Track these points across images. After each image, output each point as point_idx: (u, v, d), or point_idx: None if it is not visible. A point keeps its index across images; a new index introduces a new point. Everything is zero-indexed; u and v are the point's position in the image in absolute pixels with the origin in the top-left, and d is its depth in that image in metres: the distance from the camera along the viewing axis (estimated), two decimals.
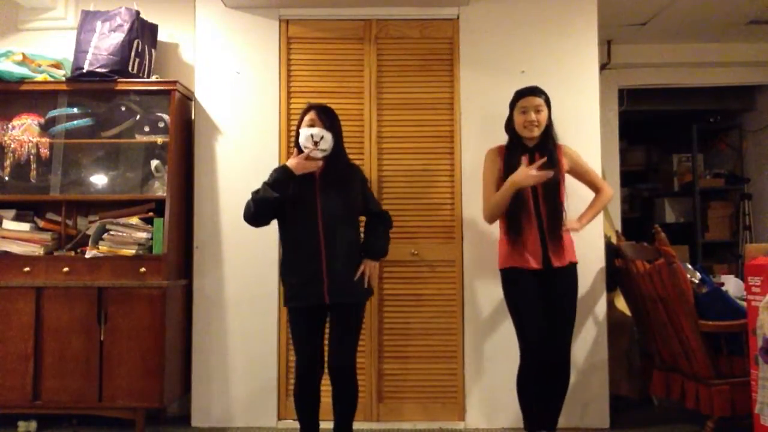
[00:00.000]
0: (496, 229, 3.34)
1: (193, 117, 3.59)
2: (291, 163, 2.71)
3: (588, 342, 3.39)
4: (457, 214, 3.46)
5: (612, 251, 3.51)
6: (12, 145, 3.43)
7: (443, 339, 3.44)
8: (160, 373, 3.19)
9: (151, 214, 3.35)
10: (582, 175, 3.07)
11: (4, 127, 3.46)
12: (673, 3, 3.84)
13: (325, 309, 2.74)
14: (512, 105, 2.96)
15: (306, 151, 2.71)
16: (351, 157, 3.46)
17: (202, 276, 3.48)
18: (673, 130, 6.03)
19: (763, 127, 5.20)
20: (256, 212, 2.70)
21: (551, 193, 2.86)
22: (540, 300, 2.86)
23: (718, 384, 2.95)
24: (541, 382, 2.88)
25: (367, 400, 3.42)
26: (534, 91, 2.92)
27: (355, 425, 3.36)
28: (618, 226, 4.39)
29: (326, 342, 2.76)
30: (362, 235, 2.86)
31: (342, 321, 2.73)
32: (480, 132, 3.46)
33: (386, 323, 3.45)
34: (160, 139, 3.41)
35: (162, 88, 3.44)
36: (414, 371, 3.44)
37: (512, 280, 2.91)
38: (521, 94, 2.93)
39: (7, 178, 3.45)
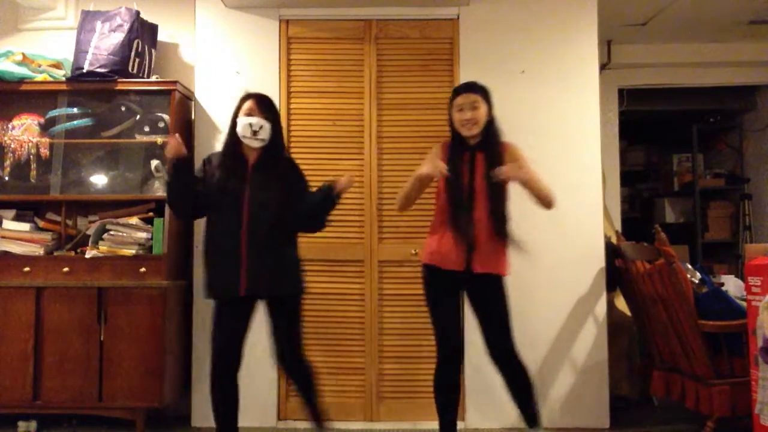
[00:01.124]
0: None
1: (193, 117, 3.59)
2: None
3: (588, 342, 3.39)
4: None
5: (612, 251, 3.51)
6: (12, 145, 3.43)
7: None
8: (160, 373, 3.19)
9: (151, 214, 3.35)
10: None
11: (4, 127, 3.46)
12: (673, 3, 3.84)
13: (251, 302, 2.69)
14: (450, 103, 2.81)
15: (244, 140, 2.66)
16: (351, 157, 3.49)
17: (202, 276, 3.47)
18: (673, 130, 6.02)
19: (763, 127, 5.20)
20: (168, 200, 2.76)
21: (492, 194, 2.69)
22: (456, 297, 2.77)
23: (718, 384, 2.95)
24: (507, 385, 2.81)
25: (367, 400, 3.42)
26: (470, 88, 2.77)
27: (355, 425, 3.39)
28: (618, 226, 4.39)
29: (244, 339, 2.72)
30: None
31: (279, 315, 2.69)
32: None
33: (386, 323, 3.45)
34: (160, 139, 3.41)
35: (162, 88, 3.44)
36: (414, 371, 3.44)
37: (428, 277, 2.80)
38: (457, 92, 2.79)
39: (7, 178, 3.45)
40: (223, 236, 2.65)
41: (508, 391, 2.81)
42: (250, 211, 2.61)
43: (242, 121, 2.66)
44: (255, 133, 2.64)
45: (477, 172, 2.71)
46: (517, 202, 3.15)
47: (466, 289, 2.79)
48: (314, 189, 2.77)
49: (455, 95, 2.79)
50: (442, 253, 2.72)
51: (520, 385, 2.79)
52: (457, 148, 2.79)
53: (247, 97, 2.73)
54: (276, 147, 2.73)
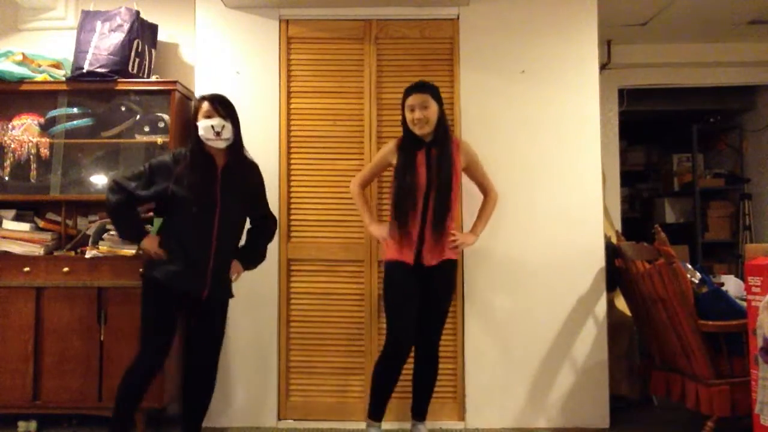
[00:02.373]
0: (497, 229, 3.35)
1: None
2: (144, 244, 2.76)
3: (588, 342, 3.39)
4: (457, 215, 3.45)
5: (612, 251, 3.51)
6: (12, 145, 3.43)
7: (443, 339, 3.42)
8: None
9: (151, 214, 3.35)
10: (474, 174, 3.06)
11: (4, 127, 3.46)
12: (673, 3, 3.84)
13: (187, 302, 2.76)
14: (402, 103, 2.95)
15: (209, 142, 2.70)
16: (351, 157, 3.49)
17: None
18: (673, 130, 6.03)
19: (763, 127, 5.20)
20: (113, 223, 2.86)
21: (441, 190, 2.86)
22: (415, 295, 2.90)
23: (718, 384, 2.95)
24: (415, 373, 3.04)
25: (367, 400, 3.42)
26: (419, 88, 2.89)
27: (355, 425, 3.39)
28: (618, 226, 4.39)
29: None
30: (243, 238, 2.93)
31: (213, 317, 2.81)
32: (480, 132, 3.46)
33: (386, 323, 3.44)
34: (160, 139, 3.41)
35: (162, 88, 3.43)
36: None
37: (390, 272, 2.94)
38: (408, 92, 2.91)
39: (7, 178, 3.45)
40: (194, 237, 2.70)
41: (416, 378, 3.04)
42: (221, 215, 2.71)
43: (203, 124, 2.69)
44: (218, 134, 2.68)
45: (433, 167, 2.87)
46: (518, 202, 3.17)
47: (423, 280, 2.92)
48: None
49: (406, 95, 2.94)
50: (401, 248, 2.91)
51: (432, 377, 3.04)
52: (410, 145, 2.94)
53: (202, 99, 2.77)
54: (239, 146, 2.80)
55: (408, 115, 2.90)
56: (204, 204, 2.69)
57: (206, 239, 2.70)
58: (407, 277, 2.89)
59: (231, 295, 2.88)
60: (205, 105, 2.72)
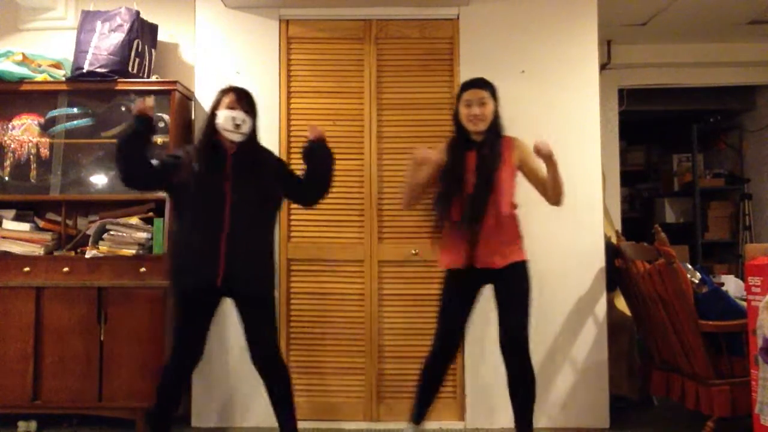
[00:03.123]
0: None
1: (193, 117, 3.59)
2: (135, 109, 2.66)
3: (588, 342, 3.39)
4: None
5: (612, 251, 3.51)
6: (12, 145, 3.44)
7: None
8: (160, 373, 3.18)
9: (151, 214, 3.36)
10: (530, 171, 2.82)
11: (4, 127, 3.46)
12: (673, 3, 3.84)
13: (217, 298, 2.72)
14: (458, 97, 2.83)
15: (225, 133, 2.67)
16: (351, 157, 3.49)
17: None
18: (673, 130, 6.03)
19: (763, 127, 5.20)
20: (117, 159, 2.66)
21: (482, 191, 2.69)
22: (460, 300, 2.78)
23: (718, 384, 2.95)
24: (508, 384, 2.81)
25: (367, 400, 3.42)
26: (478, 84, 2.79)
27: (355, 425, 3.39)
28: (618, 226, 4.39)
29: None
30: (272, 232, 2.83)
31: (254, 313, 2.71)
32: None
33: (386, 323, 3.45)
34: (160, 139, 3.41)
35: (162, 88, 3.43)
36: (414, 371, 3.41)
37: (444, 279, 2.84)
38: (465, 87, 2.81)
39: (7, 178, 3.45)
40: (201, 225, 2.63)
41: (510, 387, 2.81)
42: (232, 199, 2.62)
43: (225, 114, 2.66)
44: (237, 126, 2.66)
45: (480, 170, 2.72)
46: (518, 202, 3.15)
47: (483, 283, 2.79)
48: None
49: (463, 90, 2.81)
50: (450, 252, 2.76)
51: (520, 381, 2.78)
52: (460, 144, 2.81)
53: (229, 90, 2.74)
54: (253, 141, 2.76)
55: (463, 110, 2.77)
56: (210, 190, 2.63)
57: (215, 226, 2.60)
58: (454, 282, 2.79)
59: (265, 289, 2.73)
60: (230, 96, 2.70)
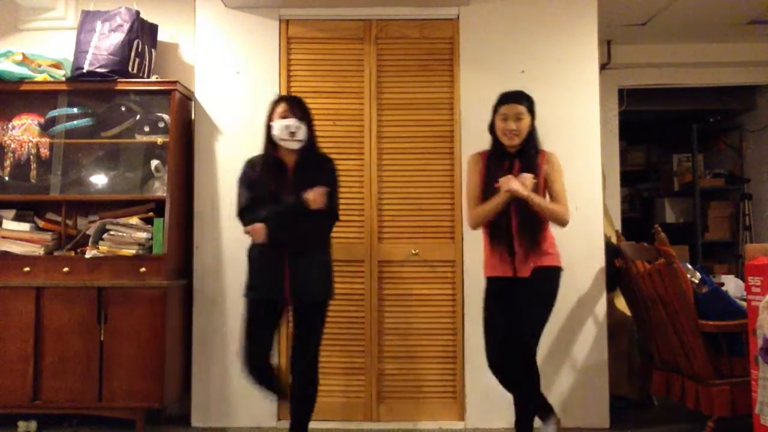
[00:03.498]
0: None
1: (193, 117, 3.59)
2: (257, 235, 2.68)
3: (588, 342, 3.39)
4: (457, 214, 3.46)
5: (612, 251, 3.51)
6: (12, 145, 3.43)
7: (443, 339, 3.44)
8: (160, 373, 3.19)
9: (151, 214, 3.35)
10: (550, 185, 2.82)
11: (4, 127, 3.46)
12: (673, 3, 3.84)
13: (280, 306, 2.77)
14: (495, 109, 2.82)
15: (282, 143, 2.70)
16: (351, 157, 3.49)
17: (202, 276, 3.48)
18: (673, 130, 6.03)
19: (763, 127, 5.20)
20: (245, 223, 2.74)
21: (521, 203, 2.71)
22: (504, 310, 2.80)
23: (718, 384, 2.95)
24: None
25: (367, 400, 3.42)
26: (516, 98, 2.78)
27: (355, 425, 3.39)
28: (618, 226, 4.39)
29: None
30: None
31: (304, 321, 2.76)
32: (480, 132, 3.43)
33: (386, 323, 3.45)
34: (160, 139, 3.41)
35: (162, 88, 3.43)
36: (414, 371, 3.44)
37: (486, 289, 2.87)
38: (503, 100, 2.80)
39: (7, 178, 3.45)
40: (268, 246, 2.68)
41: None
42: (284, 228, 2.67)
43: (279, 124, 2.69)
44: (292, 134, 2.68)
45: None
46: None
47: (517, 291, 2.78)
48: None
49: (500, 103, 2.81)
50: (494, 263, 2.79)
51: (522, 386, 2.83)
52: (496, 155, 2.82)
53: (279, 100, 2.79)
54: (312, 147, 2.78)
55: (499, 124, 2.77)
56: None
57: (280, 248, 2.68)
58: (497, 293, 2.82)
59: (321, 297, 2.77)
60: (282, 105, 2.73)
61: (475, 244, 3.41)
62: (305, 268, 2.71)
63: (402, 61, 3.54)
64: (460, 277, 3.44)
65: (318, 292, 2.75)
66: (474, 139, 3.45)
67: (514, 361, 2.79)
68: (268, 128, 2.74)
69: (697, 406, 3.03)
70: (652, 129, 6.21)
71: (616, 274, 3.52)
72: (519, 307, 2.77)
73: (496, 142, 2.83)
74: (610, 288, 3.53)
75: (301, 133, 2.70)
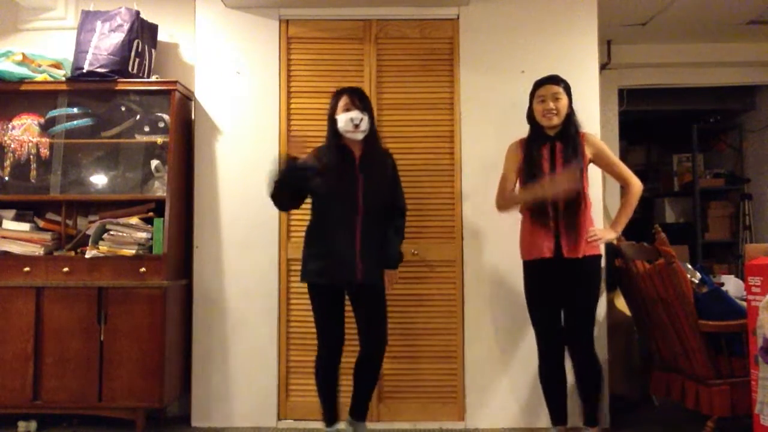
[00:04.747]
0: (495, 229, 3.35)
1: (193, 117, 3.59)
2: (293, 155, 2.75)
3: None
4: (457, 214, 3.46)
5: (612, 251, 3.51)
6: (12, 145, 3.43)
7: (443, 339, 3.44)
8: (160, 373, 3.19)
9: (151, 214, 3.35)
10: (607, 165, 3.00)
11: (4, 127, 3.46)
12: (673, 3, 3.84)
13: (344, 290, 2.86)
14: (531, 95, 2.94)
15: (348, 135, 2.79)
16: None
17: (202, 276, 3.48)
18: (673, 130, 6.03)
19: (763, 127, 5.20)
20: (275, 195, 2.79)
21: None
22: (554, 289, 2.88)
23: (718, 384, 2.95)
24: (575, 376, 2.97)
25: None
26: (552, 79, 2.90)
27: None
28: None
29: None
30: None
31: (369, 303, 2.86)
32: (480, 132, 3.46)
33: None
34: (160, 139, 3.41)
35: (162, 88, 3.44)
36: (414, 371, 3.44)
37: (525, 273, 2.96)
38: (539, 83, 2.92)
39: (7, 178, 3.45)
40: (339, 231, 2.77)
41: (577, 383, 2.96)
42: (363, 204, 2.77)
43: (344, 117, 2.78)
44: (357, 126, 2.77)
45: (557, 162, 2.83)
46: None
47: (562, 274, 2.86)
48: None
49: (537, 87, 2.92)
50: (535, 245, 2.85)
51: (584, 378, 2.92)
52: (535, 140, 2.90)
53: (341, 92, 2.85)
54: (374, 136, 2.89)
55: (537, 106, 2.88)
56: (346, 199, 2.77)
57: (351, 231, 2.76)
58: (541, 276, 2.88)
59: (382, 281, 2.88)
60: (345, 98, 2.81)
61: (475, 244, 3.42)
62: (374, 251, 2.81)
63: (402, 61, 3.54)
64: (460, 277, 3.44)
65: (380, 274, 2.87)
66: (474, 139, 3.46)
67: (575, 351, 2.89)
68: (333, 121, 2.82)
69: (697, 406, 3.03)
70: (652, 129, 6.21)
71: (616, 274, 3.52)
72: (573, 293, 2.86)
73: (535, 127, 2.92)
74: (610, 288, 3.53)
75: (364, 124, 2.79)
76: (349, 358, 2.97)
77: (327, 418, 2.93)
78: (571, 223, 2.80)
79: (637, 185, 3.00)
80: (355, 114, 2.77)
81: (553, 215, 2.82)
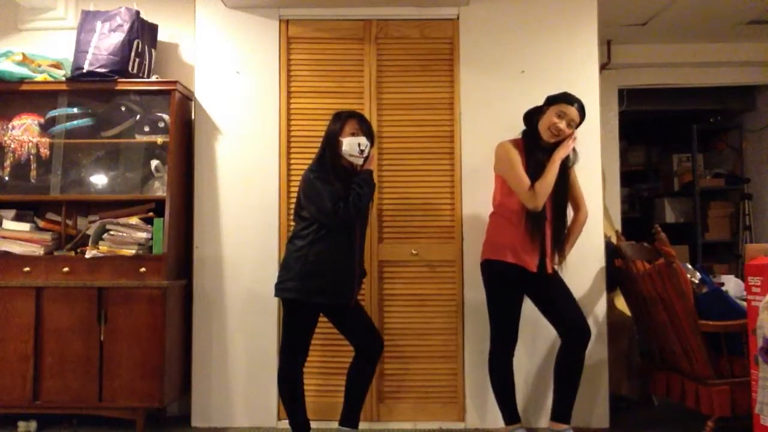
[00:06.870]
0: None
1: (193, 117, 3.59)
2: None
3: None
4: (457, 214, 3.46)
5: (612, 251, 3.51)
6: (12, 145, 3.44)
7: (443, 339, 3.44)
8: (160, 373, 3.19)
9: (151, 214, 3.35)
10: (573, 182, 3.07)
11: (4, 127, 3.46)
12: (673, 3, 3.84)
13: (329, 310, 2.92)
14: (551, 102, 2.94)
15: (351, 159, 2.83)
16: None
17: (202, 276, 3.48)
18: (673, 130, 6.02)
19: (763, 127, 5.20)
20: (361, 208, 2.81)
21: (559, 202, 2.95)
22: (522, 295, 2.99)
23: (718, 384, 2.95)
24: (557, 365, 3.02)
25: (367, 400, 3.41)
26: (581, 107, 2.93)
27: None
28: (618, 226, 4.39)
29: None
30: None
31: (362, 311, 3.00)
32: (480, 132, 3.46)
33: (386, 323, 3.45)
34: (160, 139, 3.41)
35: (162, 88, 3.44)
36: (414, 371, 3.44)
37: (500, 274, 2.96)
38: (567, 99, 2.92)
39: (7, 178, 3.45)
40: (342, 253, 2.81)
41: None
42: (360, 226, 2.88)
43: (350, 141, 2.81)
44: (362, 152, 2.82)
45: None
46: None
47: (537, 286, 2.96)
48: None
49: (562, 100, 2.93)
50: (521, 254, 2.89)
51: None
52: (534, 146, 2.94)
53: (350, 116, 2.88)
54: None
55: (552, 119, 2.89)
56: (350, 223, 2.81)
57: (351, 253, 2.83)
58: (518, 280, 2.93)
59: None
60: (354, 123, 2.85)
61: (475, 244, 3.41)
62: (361, 270, 2.96)
63: (402, 61, 3.54)
64: (460, 277, 3.44)
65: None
66: (474, 139, 3.46)
67: (578, 343, 2.93)
68: (336, 142, 2.83)
69: (697, 406, 3.03)
70: (652, 129, 6.21)
71: (616, 274, 3.52)
72: (552, 292, 2.95)
73: (532, 134, 2.96)
74: (610, 288, 3.53)
75: (368, 151, 2.85)
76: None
77: (301, 423, 2.96)
78: (558, 241, 2.96)
79: (586, 213, 3.11)
80: (363, 140, 2.81)
81: (540, 233, 2.91)
